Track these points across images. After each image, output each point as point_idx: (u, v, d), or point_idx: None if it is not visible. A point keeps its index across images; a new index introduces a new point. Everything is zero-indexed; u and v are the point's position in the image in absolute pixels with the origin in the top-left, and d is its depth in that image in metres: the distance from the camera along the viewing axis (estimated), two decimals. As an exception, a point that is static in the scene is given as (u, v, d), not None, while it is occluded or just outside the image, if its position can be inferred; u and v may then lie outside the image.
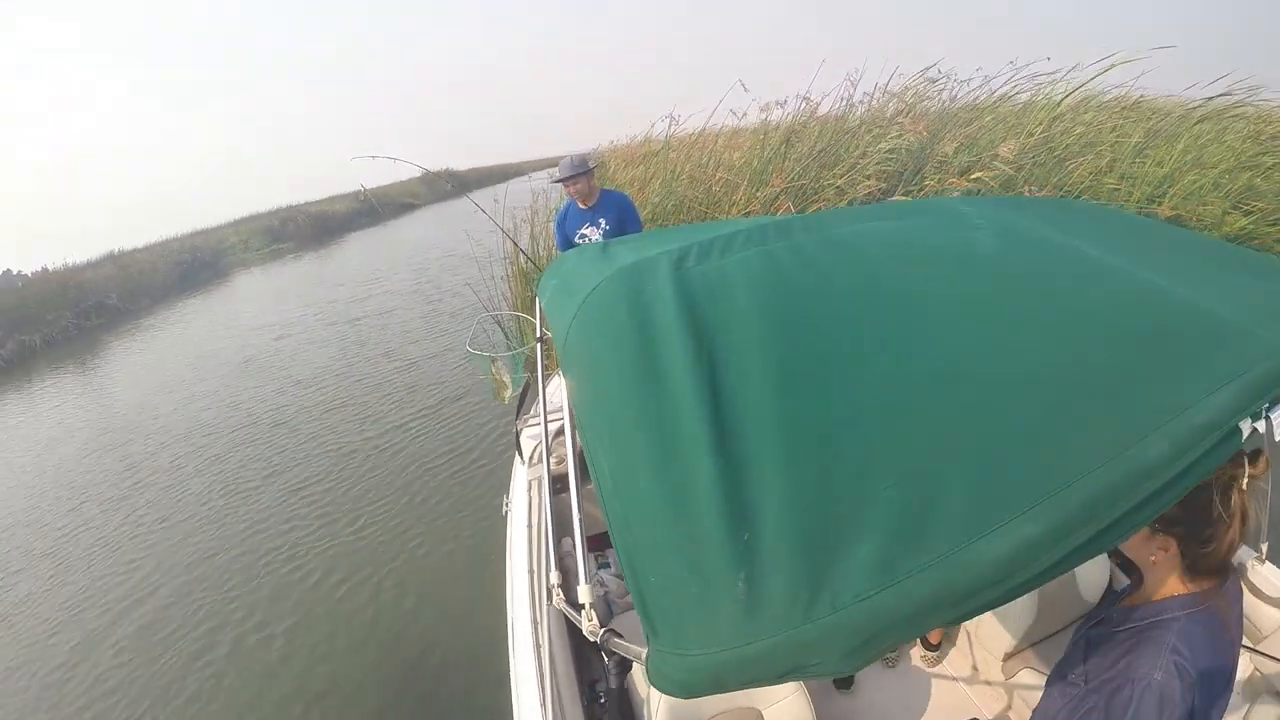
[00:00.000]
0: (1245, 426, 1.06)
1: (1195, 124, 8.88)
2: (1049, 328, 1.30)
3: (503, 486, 3.95)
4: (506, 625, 2.67)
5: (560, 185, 4.87)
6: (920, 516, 1.01)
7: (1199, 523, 1.27)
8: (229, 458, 7.36)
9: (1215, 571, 1.33)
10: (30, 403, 12.87)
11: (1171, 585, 1.36)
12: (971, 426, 1.13)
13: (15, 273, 26.67)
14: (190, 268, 27.89)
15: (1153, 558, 1.35)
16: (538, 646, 2.37)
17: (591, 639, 1.51)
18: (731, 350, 1.38)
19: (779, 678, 1.00)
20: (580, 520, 1.87)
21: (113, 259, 27.63)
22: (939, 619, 0.97)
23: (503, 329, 9.01)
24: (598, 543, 3.40)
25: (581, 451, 3.14)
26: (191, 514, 6.31)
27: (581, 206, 4.87)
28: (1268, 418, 1.08)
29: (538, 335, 2.98)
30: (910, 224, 1.82)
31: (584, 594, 1.64)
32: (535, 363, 2.94)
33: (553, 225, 5.48)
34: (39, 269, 26.92)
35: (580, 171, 4.70)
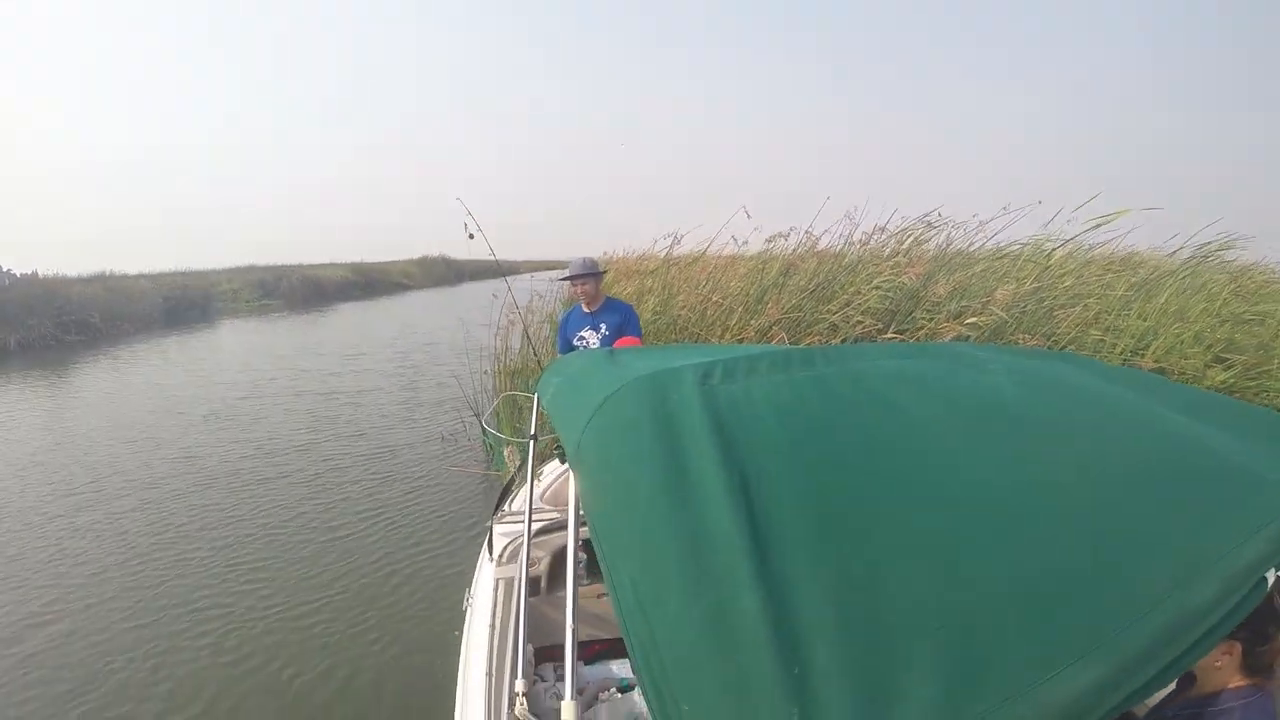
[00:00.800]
0: (1270, 575, 1.11)
1: (1179, 278, 9.13)
2: (1078, 470, 1.33)
3: (461, 584, 3.80)
4: None
5: (568, 284, 5.02)
6: (980, 657, 1.00)
7: (1262, 623, 1.37)
8: (173, 513, 7.06)
9: (1269, 667, 1.43)
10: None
11: (1226, 680, 1.45)
12: (1017, 567, 1.13)
13: (5, 269, 26.72)
14: (178, 304, 28.46)
15: (1218, 663, 1.44)
16: None
17: None
18: (763, 476, 1.36)
19: None
20: (574, 629, 1.78)
21: (103, 279, 28.13)
22: None
23: (479, 419, 9.00)
24: (559, 652, 3.16)
25: (562, 559, 3.10)
26: (124, 567, 5.96)
27: (585, 310, 4.98)
28: None
29: (532, 433, 2.96)
30: (928, 365, 1.85)
31: (568, 711, 1.59)
32: (527, 460, 2.91)
33: (557, 325, 5.54)
34: (30, 271, 27.11)
35: (589, 272, 4.84)
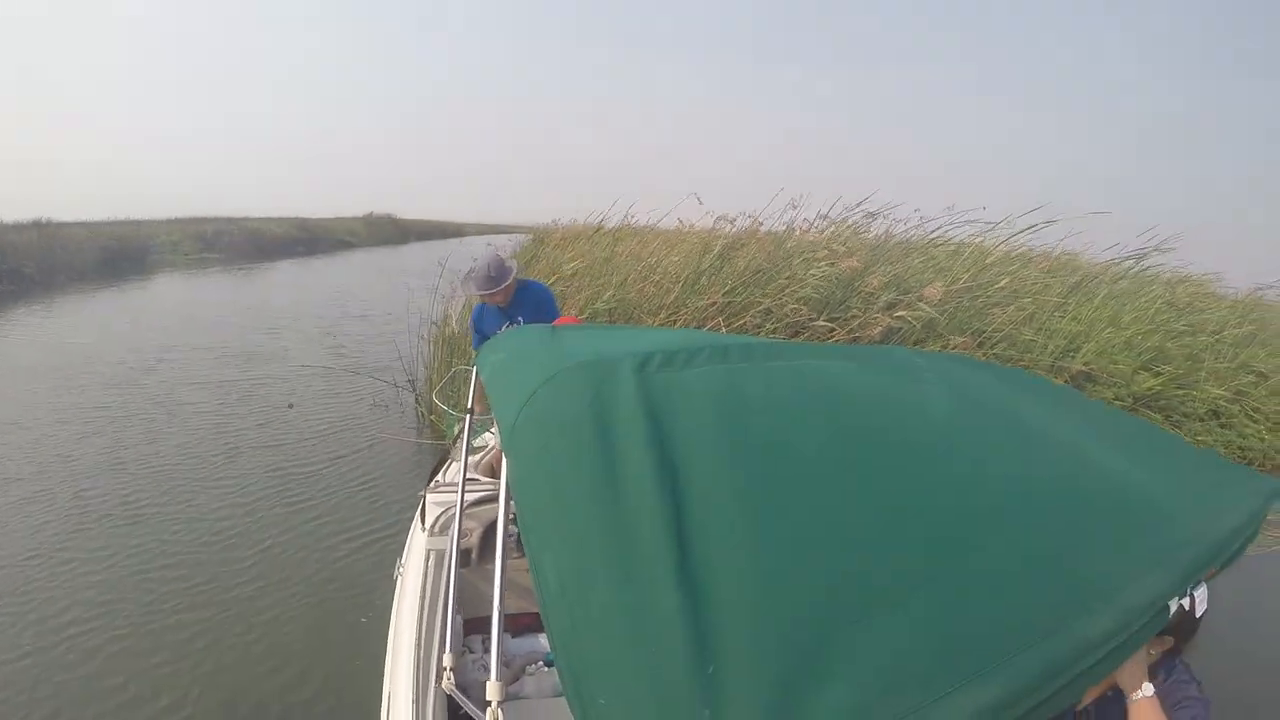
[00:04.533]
0: (1173, 604, 1.19)
1: (1114, 282, 9.26)
2: (997, 491, 1.38)
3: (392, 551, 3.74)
4: (381, 698, 2.55)
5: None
6: (890, 668, 1.02)
7: (1192, 630, 1.50)
8: (68, 480, 6.63)
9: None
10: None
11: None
12: (931, 578, 1.16)
13: (-71, 214, 25.69)
14: (115, 255, 27.41)
15: (1152, 649, 1.53)
16: None
17: None
18: (694, 470, 1.36)
19: None
20: (500, 608, 1.80)
21: (38, 226, 26.82)
22: None
23: (413, 387, 8.88)
24: (488, 624, 3.23)
25: (493, 532, 3.11)
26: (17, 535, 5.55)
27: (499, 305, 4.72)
28: (1191, 596, 1.22)
29: (469, 407, 2.98)
30: (867, 368, 1.86)
31: (493, 691, 1.59)
32: (463, 433, 2.93)
33: (470, 321, 5.22)
34: None
35: (497, 288, 4.53)
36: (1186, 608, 1.24)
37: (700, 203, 9.66)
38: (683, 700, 1.01)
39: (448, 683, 1.99)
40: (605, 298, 8.81)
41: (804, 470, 1.40)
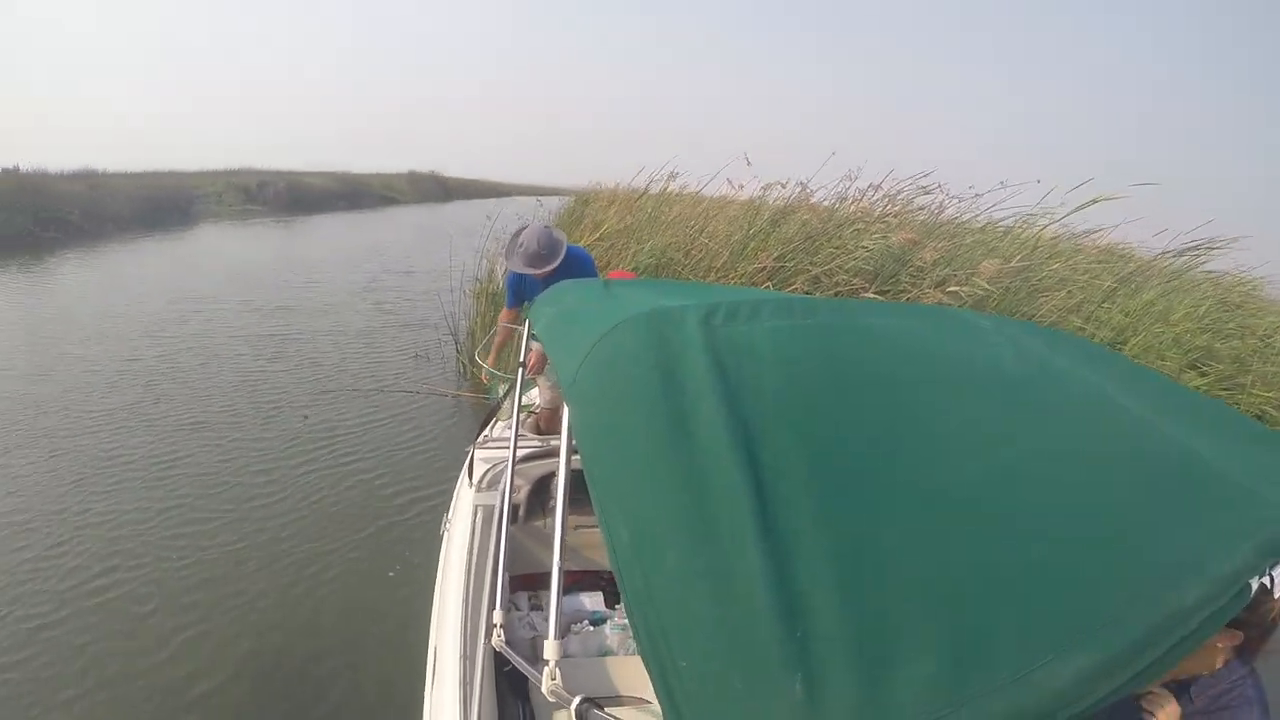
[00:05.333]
0: (1254, 583, 1.11)
1: (1169, 279, 9.15)
2: (1077, 460, 1.33)
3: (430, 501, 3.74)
4: (428, 652, 2.59)
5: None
6: (978, 636, 0.98)
7: (1270, 622, 1.41)
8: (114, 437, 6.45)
9: (1254, 656, 1.50)
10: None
11: (1215, 661, 1.47)
12: (1016, 548, 1.12)
13: (-19, 164, 26.06)
14: (160, 205, 27.53)
15: (1220, 643, 1.44)
16: (464, 683, 2.23)
17: (552, 699, 1.50)
18: (766, 426, 1.32)
19: None
20: (560, 565, 1.79)
21: (86, 176, 27.25)
22: None
23: (456, 342, 8.92)
24: (533, 581, 3.23)
25: (540, 489, 3.32)
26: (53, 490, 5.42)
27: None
28: (1271, 576, 1.13)
29: (521, 360, 3.05)
30: (932, 327, 1.83)
31: (551, 650, 1.60)
32: (515, 388, 2.97)
33: (506, 282, 4.87)
34: (11, 166, 26.50)
35: (549, 266, 4.24)
36: (1269, 586, 1.19)
37: (749, 164, 9.45)
38: (771, 665, 0.97)
39: (498, 639, 2.00)
40: (647, 248, 8.75)
41: (876, 431, 1.36)
